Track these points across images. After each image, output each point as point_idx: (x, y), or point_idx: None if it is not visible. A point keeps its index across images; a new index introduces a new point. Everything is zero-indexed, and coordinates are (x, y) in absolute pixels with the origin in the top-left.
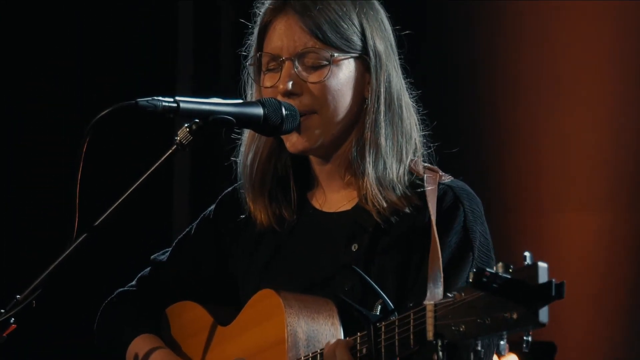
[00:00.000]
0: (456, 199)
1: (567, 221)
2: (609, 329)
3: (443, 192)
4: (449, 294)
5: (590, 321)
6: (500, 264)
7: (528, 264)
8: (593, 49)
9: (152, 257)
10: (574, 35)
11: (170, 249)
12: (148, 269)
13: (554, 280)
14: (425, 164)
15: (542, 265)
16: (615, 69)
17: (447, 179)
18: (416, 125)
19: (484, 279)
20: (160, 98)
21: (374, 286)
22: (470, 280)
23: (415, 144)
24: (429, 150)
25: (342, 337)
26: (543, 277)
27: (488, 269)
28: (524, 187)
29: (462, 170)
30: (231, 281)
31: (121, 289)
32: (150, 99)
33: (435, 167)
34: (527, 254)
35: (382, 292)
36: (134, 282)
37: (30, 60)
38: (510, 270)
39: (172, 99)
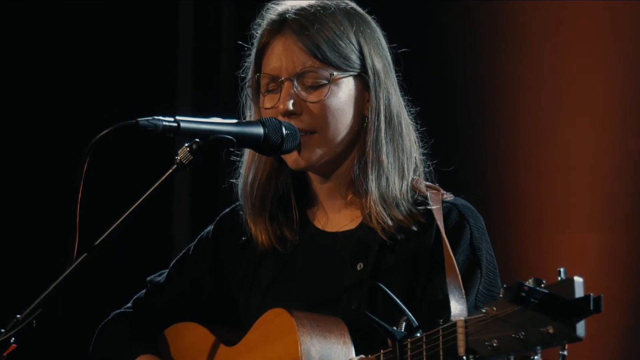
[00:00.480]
0: (461, 217)
1: (568, 241)
2: (610, 349)
3: (448, 210)
4: (482, 309)
5: (591, 343)
6: (531, 280)
7: (563, 279)
8: (595, 67)
9: (148, 278)
10: (575, 51)
11: (166, 270)
12: (144, 290)
13: (592, 294)
14: (427, 183)
15: (578, 279)
16: (617, 89)
17: (449, 197)
18: (415, 142)
19: (523, 294)
20: (161, 117)
21: (398, 303)
22: (508, 294)
23: (416, 161)
24: (429, 169)
25: (355, 356)
26: (579, 292)
27: (526, 284)
28: (524, 206)
29: (462, 188)
30: (230, 302)
31: (117, 311)
32: (150, 118)
33: (437, 186)
34: (561, 269)
35: (406, 309)
36: (129, 304)
37: (27, 71)
38: (543, 285)
39: (172, 119)
